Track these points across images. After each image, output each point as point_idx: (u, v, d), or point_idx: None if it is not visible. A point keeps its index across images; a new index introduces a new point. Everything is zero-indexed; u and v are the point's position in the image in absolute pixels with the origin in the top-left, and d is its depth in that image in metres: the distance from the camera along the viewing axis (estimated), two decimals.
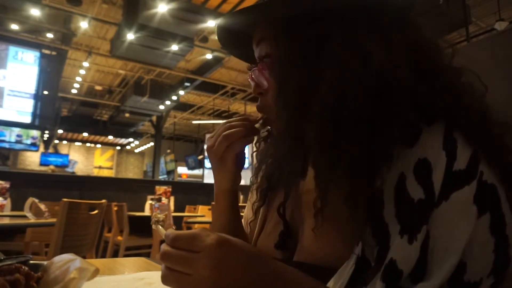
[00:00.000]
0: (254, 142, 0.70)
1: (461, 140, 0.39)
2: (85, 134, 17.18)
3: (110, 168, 19.43)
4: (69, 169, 16.06)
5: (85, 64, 10.00)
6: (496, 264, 0.36)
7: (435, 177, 0.38)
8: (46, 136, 11.57)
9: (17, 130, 8.04)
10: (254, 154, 0.71)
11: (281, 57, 0.51)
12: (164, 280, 0.41)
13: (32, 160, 15.31)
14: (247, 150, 0.71)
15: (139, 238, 4.08)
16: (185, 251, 0.40)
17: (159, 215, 0.64)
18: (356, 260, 0.41)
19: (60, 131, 14.69)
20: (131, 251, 4.01)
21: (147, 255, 3.57)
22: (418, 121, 0.42)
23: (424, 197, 0.38)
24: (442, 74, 0.45)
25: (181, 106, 13.60)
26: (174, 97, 11.61)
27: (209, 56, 9.14)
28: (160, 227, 0.62)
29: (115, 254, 4.01)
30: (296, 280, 0.43)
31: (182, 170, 17.20)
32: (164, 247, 0.42)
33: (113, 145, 19.44)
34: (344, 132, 0.43)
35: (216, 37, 0.64)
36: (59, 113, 12.10)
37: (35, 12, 7.28)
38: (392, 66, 0.43)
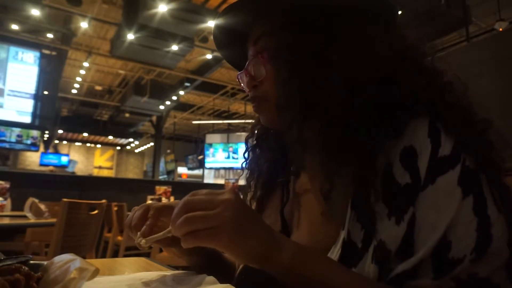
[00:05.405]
0: (243, 152, 0.69)
1: (444, 130, 0.43)
2: (85, 134, 17.18)
3: (110, 168, 19.44)
4: (69, 169, 16.06)
5: (85, 64, 10.00)
6: (479, 242, 0.38)
7: (421, 162, 0.41)
8: (46, 136, 11.57)
9: (17, 130, 8.04)
10: (244, 164, 0.69)
11: (288, 46, 0.52)
12: (184, 230, 0.41)
13: (32, 160, 15.32)
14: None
15: None
16: (206, 196, 0.42)
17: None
18: (343, 243, 0.44)
19: (60, 131, 14.69)
20: (131, 251, 4.01)
21: (147, 255, 3.56)
22: (403, 115, 0.44)
23: (410, 182, 0.41)
24: (425, 73, 0.48)
25: (181, 106, 13.60)
26: (174, 97, 11.61)
27: (209, 56, 9.15)
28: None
29: (115, 254, 4.01)
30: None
31: (182, 170, 17.20)
32: (183, 199, 0.43)
33: (113, 145, 19.44)
34: (354, 115, 0.45)
35: (212, 36, 0.64)
36: (59, 113, 12.11)
37: (35, 12, 7.28)
38: (392, 59, 0.47)
